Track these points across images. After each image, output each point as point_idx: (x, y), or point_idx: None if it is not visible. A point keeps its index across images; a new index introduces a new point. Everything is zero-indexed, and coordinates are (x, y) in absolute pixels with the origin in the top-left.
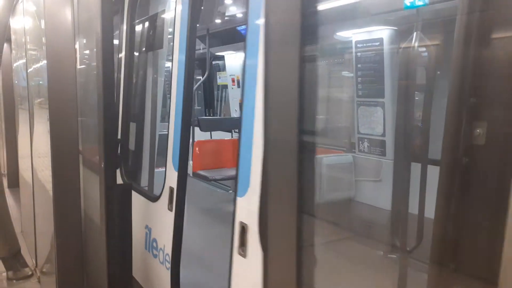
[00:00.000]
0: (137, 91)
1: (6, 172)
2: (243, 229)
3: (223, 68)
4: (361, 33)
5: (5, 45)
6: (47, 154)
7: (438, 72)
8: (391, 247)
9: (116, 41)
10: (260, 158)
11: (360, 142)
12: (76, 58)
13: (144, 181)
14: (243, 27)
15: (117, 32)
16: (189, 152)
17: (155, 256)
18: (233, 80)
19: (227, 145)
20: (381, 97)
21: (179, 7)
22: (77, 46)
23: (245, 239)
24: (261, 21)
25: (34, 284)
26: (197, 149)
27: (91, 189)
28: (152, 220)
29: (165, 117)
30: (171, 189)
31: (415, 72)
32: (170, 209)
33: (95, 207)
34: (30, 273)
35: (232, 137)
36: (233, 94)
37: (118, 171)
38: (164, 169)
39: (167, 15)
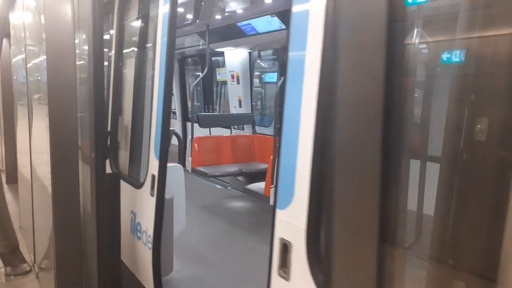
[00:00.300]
0: (125, 87)
1: (4, 167)
2: (285, 247)
3: (222, 65)
4: None
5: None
6: (46, 150)
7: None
8: None
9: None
10: (309, 164)
11: None
12: (75, 53)
13: (131, 170)
14: (243, 23)
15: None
16: (188, 148)
17: (139, 238)
18: (232, 77)
19: (226, 141)
20: None
21: (161, 10)
22: (76, 41)
23: (288, 259)
24: (314, 4)
25: (32, 279)
26: (196, 145)
27: (89, 184)
28: (137, 205)
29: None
30: (153, 177)
31: None
32: (152, 194)
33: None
34: (28, 268)
35: (231, 133)
36: (233, 91)
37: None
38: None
39: (152, 17)
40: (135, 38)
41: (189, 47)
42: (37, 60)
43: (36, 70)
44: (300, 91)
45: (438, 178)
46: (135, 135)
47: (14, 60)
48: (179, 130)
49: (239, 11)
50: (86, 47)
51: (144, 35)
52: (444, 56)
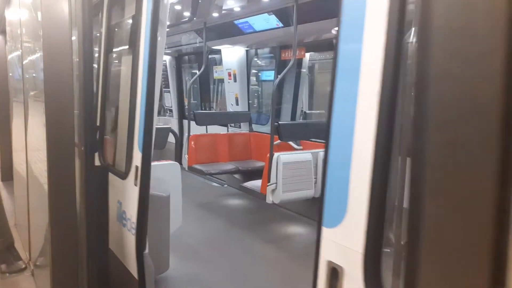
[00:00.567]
0: (113, 83)
1: (0, 165)
2: (335, 272)
3: (219, 62)
4: None
5: (0, 37)
6: (42, 147)
7: None
8: None
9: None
10: (368, 176)
11: None
12: (72, 50)
13: (117, 162)
14: (241, 21)
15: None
16: (185, 146)
17: (124, 225)
18: (229, 74)
19: (223, 139)
20: None
21: (144, 7)
22: (74, 38)
23: (339, 286)
24: None
25: (27, 277)
26: (192, 143)
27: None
28: (123, 195)
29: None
30: (137, 168)
31: None
32: (135, 184)
33: None
34: (23, 266)
35: (228, 131)
36: (229, 88)
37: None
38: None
39: (137, 15)
40: (122, 37)
41: (186, 44)
42: (34, 57)
43: (32, 67)
44: (356, 88)
45: None
46: (121, 129)
47: (10, 57)
48: (175, 128)
49: (237, 9)
50: None
51: (129, 34)
52: None
